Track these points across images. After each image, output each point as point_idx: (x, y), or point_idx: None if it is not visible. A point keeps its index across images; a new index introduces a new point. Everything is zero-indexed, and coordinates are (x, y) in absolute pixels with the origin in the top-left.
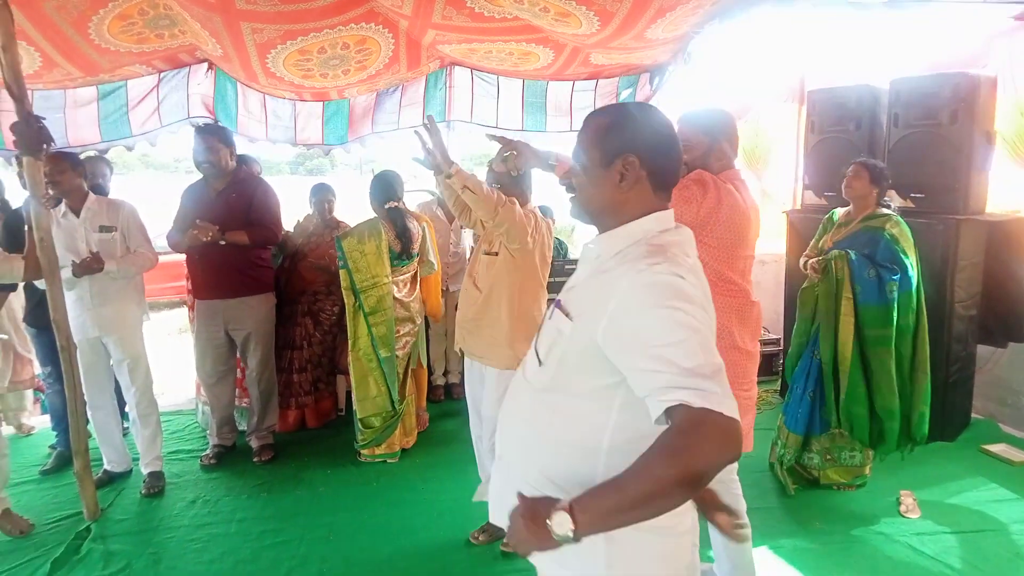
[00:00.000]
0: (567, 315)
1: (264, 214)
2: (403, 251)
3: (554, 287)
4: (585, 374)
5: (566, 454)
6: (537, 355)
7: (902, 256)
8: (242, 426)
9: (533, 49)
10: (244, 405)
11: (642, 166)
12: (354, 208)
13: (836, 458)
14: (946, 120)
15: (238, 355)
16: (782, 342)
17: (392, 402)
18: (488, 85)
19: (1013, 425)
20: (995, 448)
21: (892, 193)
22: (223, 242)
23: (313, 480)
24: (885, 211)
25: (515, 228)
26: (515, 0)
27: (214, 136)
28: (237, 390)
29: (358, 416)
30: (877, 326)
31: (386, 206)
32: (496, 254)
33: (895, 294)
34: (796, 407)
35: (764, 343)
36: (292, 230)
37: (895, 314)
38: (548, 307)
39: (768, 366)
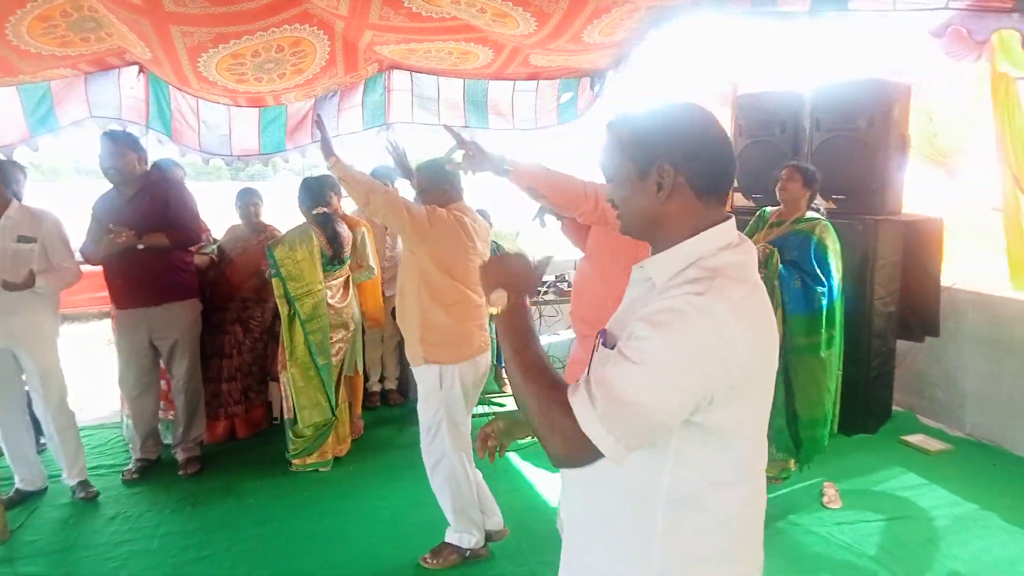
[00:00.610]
0: (611, 346)
1: (182, 214)
2: (334, 256)
3: None
4: None
5: (622, 510)
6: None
7: (830, 263)
8: (167, 439)
9: (472, 48)
10: (169, 418)
11: (678, 173)
12: (297, 214)
13: None
14: (864, 125)
15: (163, 365)
16: None
17: (331, 409)
18: (428, 86)
19: (930, 416)
20: (913, 438)
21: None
22: (141, 246)
23: (242, 491)
24: (816, 215)
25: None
26: (452, 2)
27: (120, 142)
28: (162, 402)
29: (302, 425)
30: (804, 334)
31: (314, 212)
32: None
33: (823, 302)
34: None
35: None
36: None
37: (823, 322)
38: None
39: None
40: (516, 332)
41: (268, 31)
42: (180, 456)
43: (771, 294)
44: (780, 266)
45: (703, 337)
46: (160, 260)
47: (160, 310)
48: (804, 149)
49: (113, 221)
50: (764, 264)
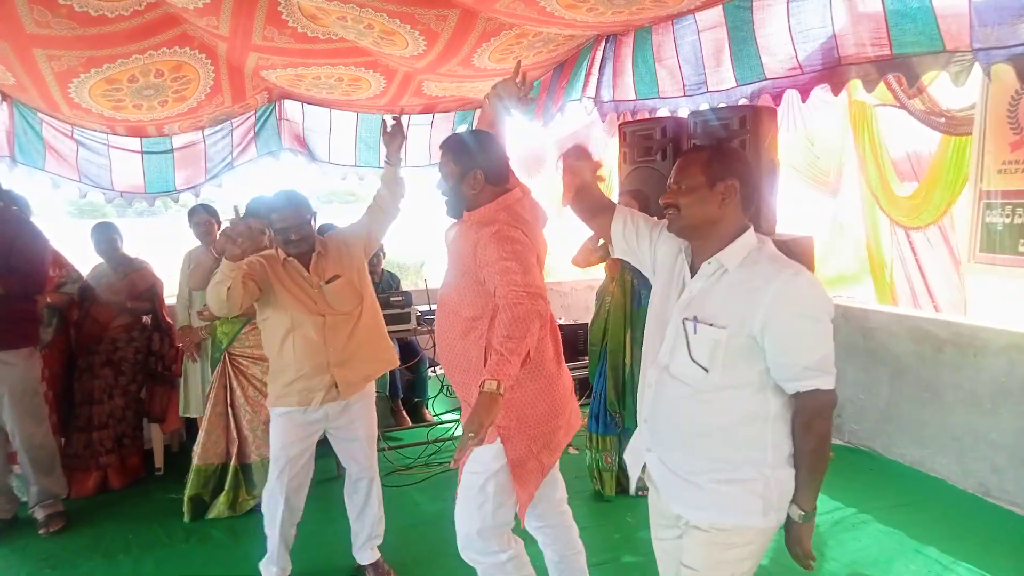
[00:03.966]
0: (713, 325)
1: (28, 259)
2: None
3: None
4: (746, 366)
5: (740, 432)
6: (700, 365)
7: None
8: (26, 496)
9: (363, 74)
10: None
11: (739, 190)
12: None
13: None
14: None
15: None
16: None
17: None
18: (320, 119)
19: None
20: None
21: None
22: None
23: (111, 548)
24: None
25: None
26: (338, 18)
27: None
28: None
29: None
30: (641, 328)
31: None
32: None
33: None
34: (596, 407)
35: None
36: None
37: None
38: (679, 325)
39: None
40: (817, 487)
41: (145, 54)
42: (39, 514)
43: (624, 295)
44: (630, 275)
45: (826, 299)
46: None
47: None
48: None
49: None
50: (620, 273)
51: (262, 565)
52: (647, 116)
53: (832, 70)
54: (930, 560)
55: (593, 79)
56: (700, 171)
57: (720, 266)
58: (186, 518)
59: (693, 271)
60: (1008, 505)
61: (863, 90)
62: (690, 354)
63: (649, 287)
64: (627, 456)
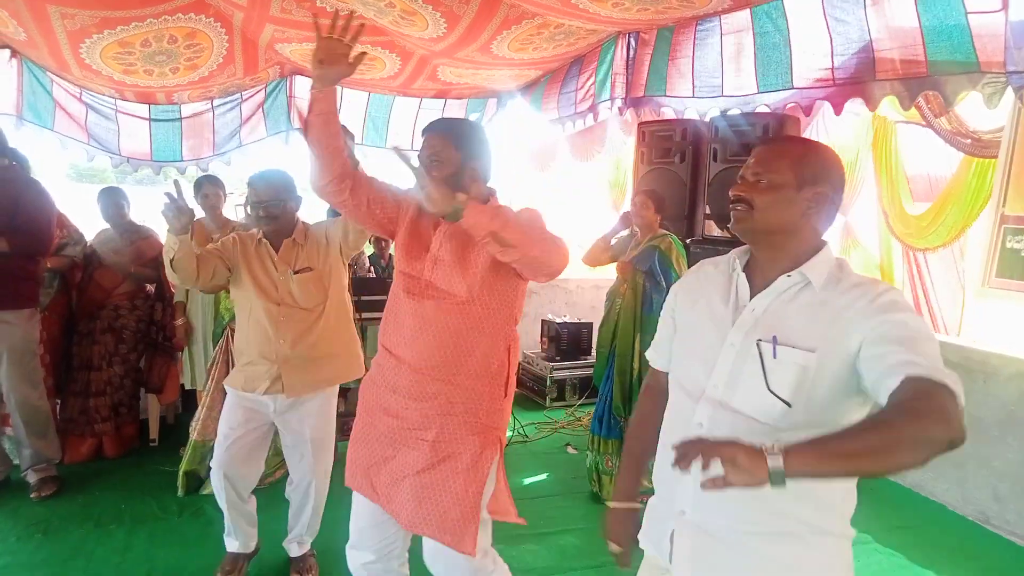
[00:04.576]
0: (797, 348)
1: (35, 218)
2: None
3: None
4: (833, 403)
5: (821, 486)
6: (780, 398)
7: (670, 269)
8: (18, 459)
9: (379, 54)
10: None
11: (828, 201)
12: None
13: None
14: None
15: None
16: None
17: None
18: None
19: None
20: None
21: (711, 223)
22: None
23: (103, 516)
24: (663, 232)
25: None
26: None
27: None
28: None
29: None
30: (651, 332)
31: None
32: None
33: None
34: (600, 410)
35: None
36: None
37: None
38: (746, 349)
39: None
40: (837, 450)
41: (160, 19)
42: (32, 478)
43: (635, 298)
44: (642, 278)
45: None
46: None
47: None
48: (703, 178)
49: None
50: (632, 275)
51: (225, 537)
52: (661, 116)
53: (866, 85)
54: None
55: (620, 78)
56: (790, 167)
57: (803, 279)
58: (180, 492)
59: (753, 289)
60: (1007, 535)
61: (886, 105)
62: (767, 384)
63: (660, 292)
64: (644, 527)
